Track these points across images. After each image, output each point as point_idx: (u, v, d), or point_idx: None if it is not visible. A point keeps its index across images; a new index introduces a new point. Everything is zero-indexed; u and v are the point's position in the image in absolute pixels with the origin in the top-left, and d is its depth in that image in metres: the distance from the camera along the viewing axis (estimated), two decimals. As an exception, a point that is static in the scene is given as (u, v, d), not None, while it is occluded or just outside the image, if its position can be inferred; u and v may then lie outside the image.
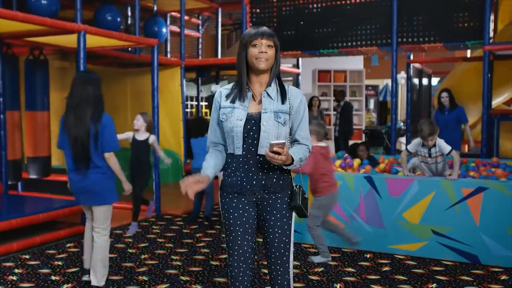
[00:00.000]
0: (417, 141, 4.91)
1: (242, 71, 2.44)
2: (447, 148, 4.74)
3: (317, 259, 4.51)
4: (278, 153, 2.24)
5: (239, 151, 2.42)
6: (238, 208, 2.46)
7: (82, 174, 3.64)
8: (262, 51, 2.37)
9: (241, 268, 2.47)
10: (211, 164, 2.45)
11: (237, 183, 2.44)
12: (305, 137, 2.50)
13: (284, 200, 2.47)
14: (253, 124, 2.40)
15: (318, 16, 7.85)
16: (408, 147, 5.05)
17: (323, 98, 12.15)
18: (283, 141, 2.25)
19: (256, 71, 2.41)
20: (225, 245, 2.53)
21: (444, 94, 7.13)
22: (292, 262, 2.54)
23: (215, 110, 2.51)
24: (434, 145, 4.80)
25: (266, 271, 4.14)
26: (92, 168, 3.63)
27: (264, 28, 2.41)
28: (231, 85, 2.52)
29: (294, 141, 2.51)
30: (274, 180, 2.43)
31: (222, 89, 2.52)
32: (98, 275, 3.70)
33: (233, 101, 2.44)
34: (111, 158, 3.70)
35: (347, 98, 12.00)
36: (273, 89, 2.45)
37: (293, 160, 2.35)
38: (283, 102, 2.43)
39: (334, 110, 10.26)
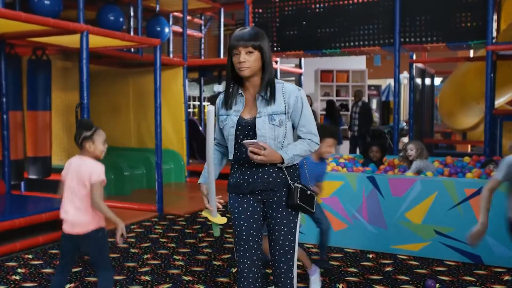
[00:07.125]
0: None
1: (229, 77, 2.44)
2: None
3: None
4: (257, 153, 2.26)
5: (235, 155, 2.46)
6: (243, 203, 2.48)
7: None
8: (240, 61, 2.32)
9: (246, 265, 2.49)
10: (205, 170, 2.51)
11: (239, 183, 2.47)
12: (308, 132, 2.45)
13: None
14: (249, 129, 2.41)
15: (320, 16, 7.84)
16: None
17: (326, 98, 12.15)
18: (255, 140, 2.26)
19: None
20: (227, 245, 2.54)
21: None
22: (296, 261, 2.55)
23: (217, 114, 2.55)
24: None
25: (270, 271, 4.13)
26: None
27: (243, 33, 2.34)
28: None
29: (298, 137, 2.50)
30: (271, 179, 2.44)
31: (221, 95, 2.53)
32: None
33: (227, 108, 2.45)
34: None
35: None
36: (267, 90, 2.41)
37: (283, 158, 2.36)
38: (278, 102, 2.40)
39: (351, 110, 10.40)
